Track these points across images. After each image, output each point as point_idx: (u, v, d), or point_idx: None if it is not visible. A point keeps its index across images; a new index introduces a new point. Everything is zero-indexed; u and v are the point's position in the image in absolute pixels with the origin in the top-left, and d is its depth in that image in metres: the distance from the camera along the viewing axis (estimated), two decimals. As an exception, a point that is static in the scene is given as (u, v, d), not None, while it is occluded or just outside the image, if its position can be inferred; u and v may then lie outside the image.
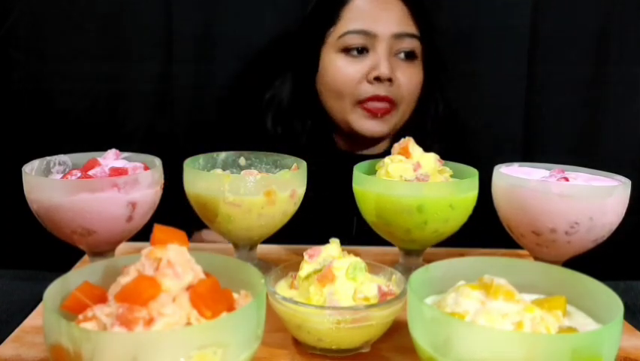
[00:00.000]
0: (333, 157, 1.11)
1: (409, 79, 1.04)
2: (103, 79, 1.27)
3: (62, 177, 0.69)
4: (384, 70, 1.00)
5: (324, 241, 0.65)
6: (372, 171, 0.80)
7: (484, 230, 0.85)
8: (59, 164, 0.73)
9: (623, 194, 0.68)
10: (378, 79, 1.00)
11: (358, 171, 0.77)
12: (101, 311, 0.42)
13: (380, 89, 1.01)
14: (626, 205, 0.69)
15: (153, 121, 1.29)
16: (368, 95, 1.01)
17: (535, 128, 1.32)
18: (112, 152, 0.73)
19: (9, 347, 0.60)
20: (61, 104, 1.26)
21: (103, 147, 0.75)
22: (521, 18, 1.27)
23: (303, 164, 0.78)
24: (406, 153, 0.76)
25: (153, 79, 1.28)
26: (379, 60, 1.00)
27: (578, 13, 1.27)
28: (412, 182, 0.73)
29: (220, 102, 1.29)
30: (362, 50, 1.02)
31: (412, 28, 1.04)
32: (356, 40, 1.01)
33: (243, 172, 0.82)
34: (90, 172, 0.68)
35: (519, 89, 1.30)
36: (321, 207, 0.77)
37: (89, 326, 0.41)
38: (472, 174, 0.76)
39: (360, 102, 1.02)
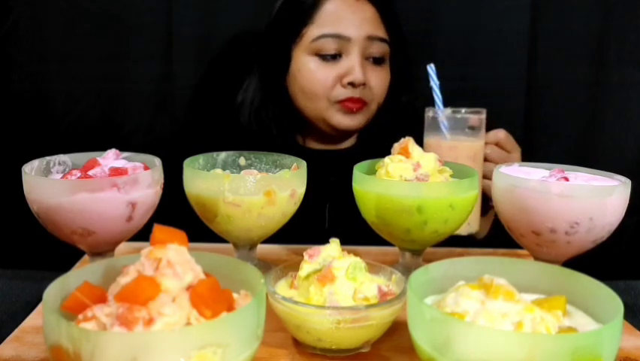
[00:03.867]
0: (305, 154, 1.12)
1: (379, 82, 1.06)
2: (103, 79, 1.27)
3: (62, 177, 0.69)
4: (358, 75, 1.01)
5: (304, 237, 0.64)
6: (372, 171, 0.79)
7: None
8: (59, 164, 0.73)
9: (623, 194, 0.68)
10: (352, 84, 1.02)
11: (358, 171, 0.77)
12: (101, 311, 0.42)
13: (355, 92, 1.03)
14: (626, 205, 0.69)
15: (153, 121, 1.29)
16: (343, 98, 1.03)
17: (535, 128, 1.32)
18: (112, 152, 0.73)
19: (9, 347, 0.60)
20: (61, 105, 1.27)
21: (103, 147, 0.75)
22: (521, 19, 1.28)
23: (303, 164, 0.78)
24: (405, 152, 0.76)
25: (153, 79, 1.28)
26: (353, 65, 1.02)
27: (577, 14, 1.27)
28: (412, 182, 0.73)
29: (219, 102, 1.29)
30: (336, 54, 1.03)
31: (382, 32, 1.05)
32: (330, 45, 1.02)
33: (242, 172, 0.82)
34: (90, 172, 0.68)
35: (519, 89, 1.30)
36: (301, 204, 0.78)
37: (88, 326, 0.41)
38: (472, 174, 0.76)
39: (337, 102, 1.04)
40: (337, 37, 1.02)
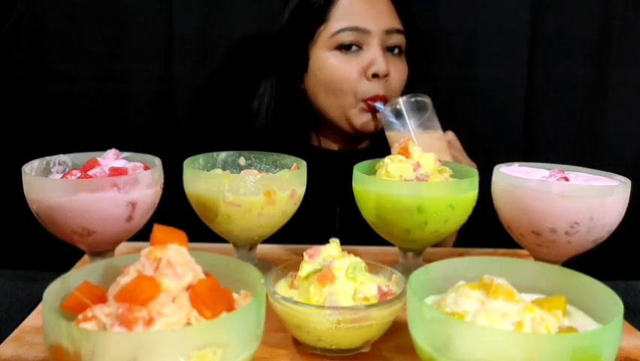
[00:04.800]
0: (322, 155, 1.11)
1: (398, 74, 1.06)
2: (103, 79, 1.27)
3: (62, 177, 0.69)
4: (381, 66, 1.01)
5: (313, 238, 0.64)
6: (372, 171, 0.79)
7: (484, 230, 0.85)
8: (59, 164, 0.73)
9: (623, 194, 0.68)
10: (376, 75, 1.01)
11: (358, 171, 0.77)
12: (101, 311, 0.42)
13: (379, 87, 1.02)
14: (626, 205, 0.69)
15: (153, 121, 1.29)
16: (370, 95, 1.02)
17: (535, 128, 1.32)
18: (112, 152, 0.73)
19: (9, 347, 0.60)
20: (61, 104, 1.27)
21: (103, 147, 0.75)
22: (521, 18, 1.28)
23: (303, 164, 0.78)
24: (405, 153, 0.76)
25: (153, 79, 1.28)
26: (375, 56, 1.02)
27: (578, 13, 1.27)
28: (412, 182, 0.73)
29: (219, 102, 1.29)
30: (353, 47, 1.03)
31: (398, 24, 1.06)
32: (350, 38, 1.02)
33: (242, 172, 0.82)
34: (90, 172, 0.68)
35: (519, 89, 1.30)
36: (311, 205, 0.78)
37: (88, 326, 0.41)
38: (472, 174, 0.76)
39: (364, 100, 1.03)
40: (356, 29, 1.02)
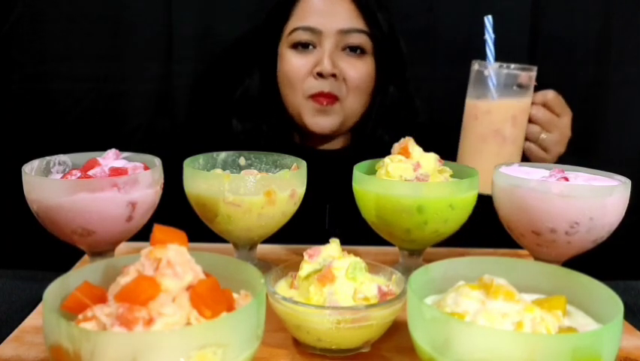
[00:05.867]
0: (304, 153, 1.12)
1: (355, 73, 1.06)
2: (103, 79, 1.27)
3: (62, 177, 0.69)
4: (326, 66, 1.03)
5: (308, 237, 0.64)
6: (372, 171, 0.80)
7: (484, 230, 0.85)
8: (59, 164, 0.73)
9: (623, 194, 0.68)
10: (320, 74, 1.03)
11: (358, 171, 0.77)
12: (101, 311, 0.42)
13: (324, 85, 1.04)
14: (626, 205, 0.69)
15: (153, 121, 1.29)
16: (315, 92, 1.04)
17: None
18: (112, 152, 0.73)
19: (9, 347, 0.60)
20: (61, 104, 1.27)
21: (103, 147, 0.75)
22: (521, 18, 1.28)
23: (303, 164, 0.78)
24: (405, 152, 0.76)
25: (153, 79, 1.28)
26: (323, 56, 1.03)
27: (578, 13, 1.27)
28: (412, 182, 0.73)
29: (219, 102, 1.29)
30: (309, 45, 1.05)
31: (360, 24, 1.06)
32: (302, 37, 1.05)
33: (242, 172, 0.82)
34: (90, 172, 0.68)
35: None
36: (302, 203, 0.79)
37: (88, 326, 0.41)
38: (472, 174, 0.76)
39: (310, 97, 1.05)
40: (308, 29, 1.04)
